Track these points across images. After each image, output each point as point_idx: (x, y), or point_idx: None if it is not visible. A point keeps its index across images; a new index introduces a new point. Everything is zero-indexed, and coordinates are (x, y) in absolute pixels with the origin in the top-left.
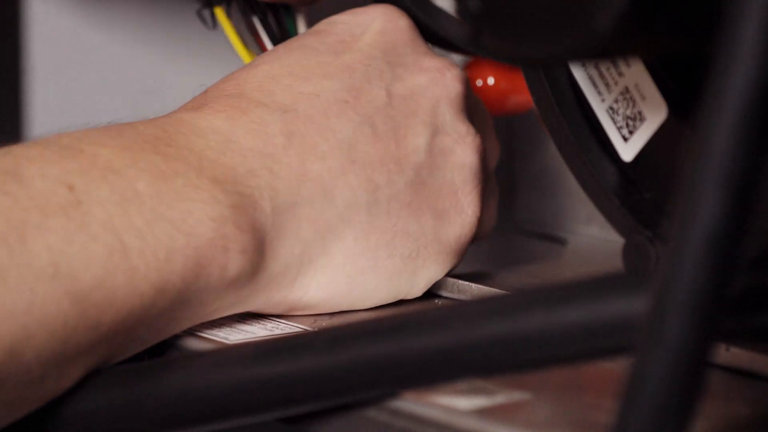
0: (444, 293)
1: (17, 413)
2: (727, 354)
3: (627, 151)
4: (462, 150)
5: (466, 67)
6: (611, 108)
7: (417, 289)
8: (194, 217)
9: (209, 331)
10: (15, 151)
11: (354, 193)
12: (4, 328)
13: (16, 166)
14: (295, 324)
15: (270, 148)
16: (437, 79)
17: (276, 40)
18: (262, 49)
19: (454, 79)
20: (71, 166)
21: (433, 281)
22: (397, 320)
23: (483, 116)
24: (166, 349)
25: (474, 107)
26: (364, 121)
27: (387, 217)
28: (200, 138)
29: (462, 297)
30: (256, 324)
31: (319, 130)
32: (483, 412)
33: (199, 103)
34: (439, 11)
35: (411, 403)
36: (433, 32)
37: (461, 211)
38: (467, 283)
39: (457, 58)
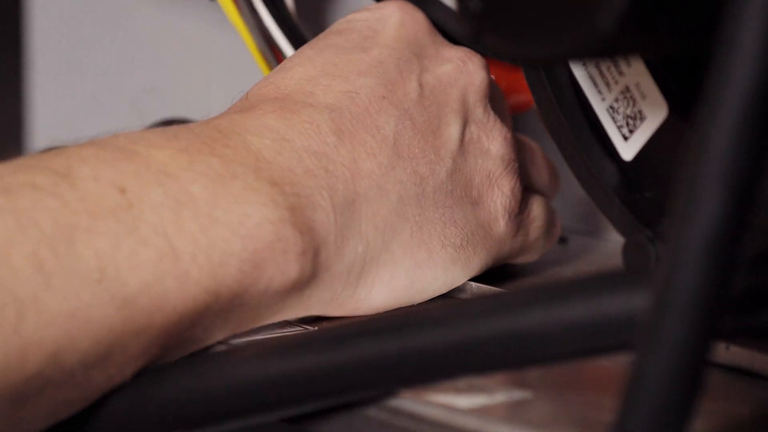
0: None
1: (60, 415)
2: (727, 353)
3: (627, 150)
4: (488, 137)
5: None
6: (611, 107)
7: (470, 276)
8: (252, 221)
9: None
10: (69, 151)
11: (404, 186)
12: (48, 333)
13: (69, 167)
14: (297, 324)
15: (323, 147)
16: (461, 67)
17: (272, 12)
18: (258, 23)
19: (477, 67)
20: (125, 169)
21: (485, 268)
22: (397, 319)
23: (499, 97)
24: None
25: (493, 92)
26: (403, 115)
27: (435, 207)
28: (257, 137)
29: (462, 295)
30: None
31: (364, 127)
32: (482, 411)
33: (245, 106)
34: (442, 6)
35: (411, 401)
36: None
37: (494, 196)
38: (467, 281)
39: None
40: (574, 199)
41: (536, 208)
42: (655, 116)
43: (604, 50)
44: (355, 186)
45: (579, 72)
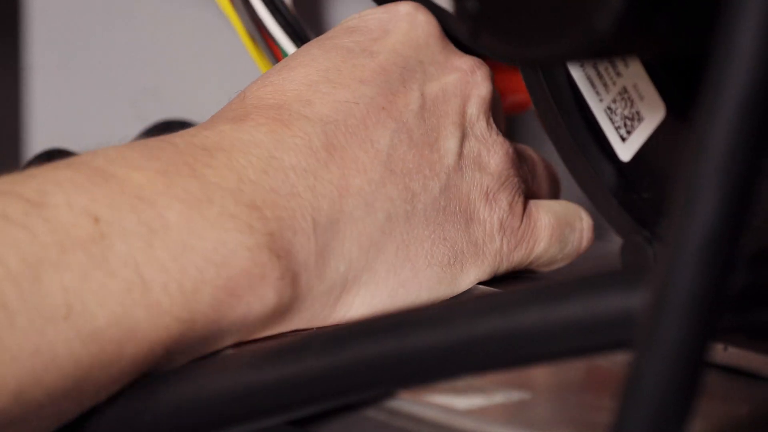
0: None
1: None
2: (725, 354)
3: (625, 151)
4: (488, 151)
5: None
6: (609, 108)
7: (457, 293)
8: (228, 248)
9: None
10: (44, 174)
11: (393, 203)
12: (9, 372)
13: (42, 193)
14: None
15: (312, 164)
16: (467, 77)
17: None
18: (252, 15)
19: (484, 78)
20: (100, 194)
21: (476, 282)
22: (394, 318)
23: (498, 104)
24: None
25: (495, 103)
26: (400, 128)
27: (425, 225)
28: (242, 154)
29: (459, 295)
30: None
31: (358, 141)
32: (481, 412)
33: (239, 113)
34: (439, 9)
35: (409, 402)
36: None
37: (491, 212)
38: None
39: None
40: (572, 200)
41: (543, 218)
42: (652, 117)
43: (602, 51)
44: (342, 204)
45: (577, 73)
